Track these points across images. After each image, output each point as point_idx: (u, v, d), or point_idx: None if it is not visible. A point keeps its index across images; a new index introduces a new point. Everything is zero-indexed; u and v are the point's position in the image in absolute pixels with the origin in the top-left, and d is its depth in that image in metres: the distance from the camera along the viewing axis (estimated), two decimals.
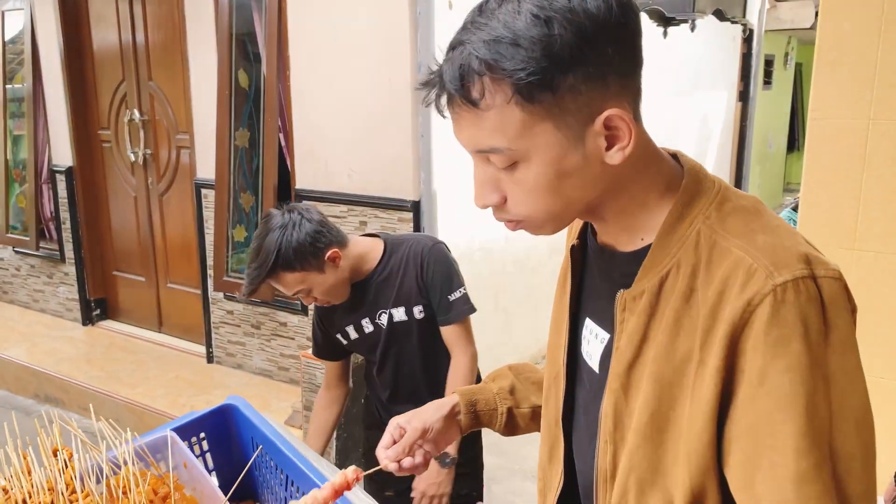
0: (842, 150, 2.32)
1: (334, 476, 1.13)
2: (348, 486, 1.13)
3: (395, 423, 1.18)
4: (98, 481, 1.14)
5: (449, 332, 2.06)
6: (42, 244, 5.36)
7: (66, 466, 1.15)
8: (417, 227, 3.38)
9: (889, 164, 2.26)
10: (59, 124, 5.00)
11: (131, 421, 3.91)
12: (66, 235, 5.16)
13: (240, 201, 4.03)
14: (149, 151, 4.71)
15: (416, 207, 3.37)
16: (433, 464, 1.95)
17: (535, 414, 1.25)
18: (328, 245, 1.95)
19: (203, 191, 4.25)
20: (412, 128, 3.31)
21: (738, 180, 7.16)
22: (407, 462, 1.16)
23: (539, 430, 1.18)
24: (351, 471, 1.14)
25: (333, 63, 3.50)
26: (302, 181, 3.76)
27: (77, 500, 1.08)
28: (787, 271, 0.78)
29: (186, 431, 1.34)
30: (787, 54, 9.92)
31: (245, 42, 3.88)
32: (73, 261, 5.16)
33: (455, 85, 0.81)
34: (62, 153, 5.05)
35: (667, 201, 0.89)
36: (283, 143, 3.89)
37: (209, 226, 4.25)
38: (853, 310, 0.83)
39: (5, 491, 1.09)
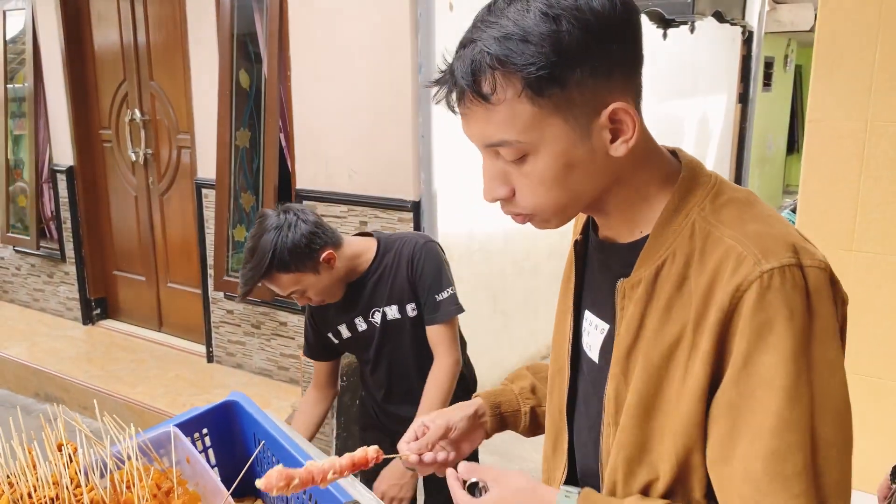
0: (840, 153, 2.33)
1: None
2: (366, 464, 1.15)
3: (419, 420, 1.20)
4: (102, 476, 1.16)
5: (434, 333, 2.05)
6: (42, 243, 5.37)
7: (71, 461, 1.17)
8: (417, 228, 3.39)
9: (887, 167, 2.27)
10: (60, 124, 5.01)
11: (131, 420, 3.90)
12: (67, 235, 5.17)
13: (240, 201, 4.04)
14: (149, 151, 4.72)
15: (416, 208, 3.38)
16: (398, 463, 1.93)
17: None
18: (323, 246, 1.95)
19: (203, 190, 4.26)
20: (412, 128, 3.33)
21: (738, 182, 7.16)
22: (429, 456, 1.17)
23: None
24: (373, 450, 1.16)
25: (334, 64, 3.51)
26: (302, 181, 3.78)
27: (81, 495, 1.09)
28: (775, 259, 0.81)
29: (189, 427, 1.35)
30: (786, 56, 9.94)
31: (246, 42, 3.89)
32: (74, 260, 5.17)
33: (467, 80, 0.84)
34: (63, 153, 5.06)
35: (665, 194, 0.93)
36: (283, 144, 3.90)
37: (209, 226, 4.26)
38: (843, 301, 0.87)
39: (11, 485, 1.10)
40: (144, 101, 4.67)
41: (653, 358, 0.89)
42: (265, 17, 3.71)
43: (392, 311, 2.07)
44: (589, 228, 1.06)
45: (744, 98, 7.00)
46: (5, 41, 5.25)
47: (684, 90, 6.18)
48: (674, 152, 0.98)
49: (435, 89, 0.89)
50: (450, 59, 0.88)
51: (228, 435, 1.42)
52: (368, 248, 2.10)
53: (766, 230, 0.85)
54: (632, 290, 0.92)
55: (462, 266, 3.90)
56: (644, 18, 4.70)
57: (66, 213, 5.12)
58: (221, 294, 4.31)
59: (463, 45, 0.87)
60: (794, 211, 4.89)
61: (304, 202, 3.73)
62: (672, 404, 0.88)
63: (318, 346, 2.21)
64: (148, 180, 4.80)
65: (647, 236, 0.92)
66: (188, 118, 4.34)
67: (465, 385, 2.27)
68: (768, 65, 8.98)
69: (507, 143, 0.87)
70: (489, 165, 0.93)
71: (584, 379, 1.06)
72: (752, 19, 6.46)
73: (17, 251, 5.58)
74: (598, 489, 1.00)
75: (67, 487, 1.10)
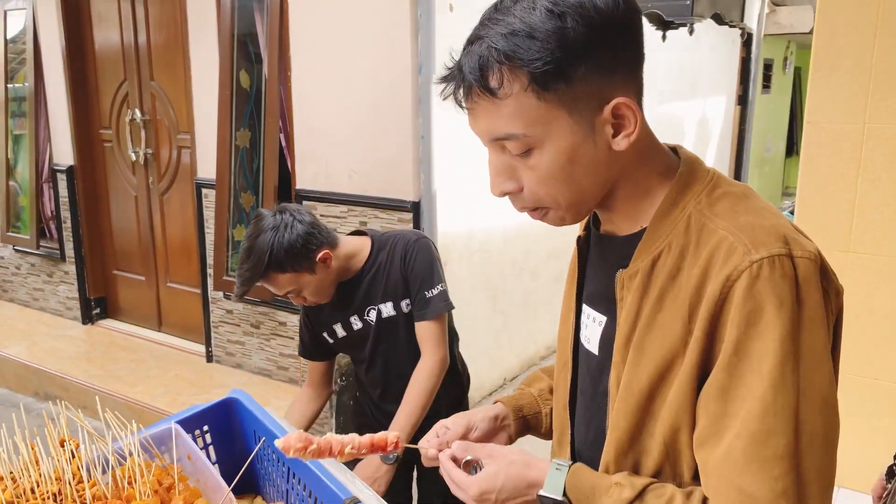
0: (837, 155, 2.34)
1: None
2: (385, 447, 1.17)
3: (441, 423, 1.21)
4: (104, 472, 1.17)
5: (422, 329, 2.05)
6: (42, 243, 5.37)
7: (73, 457, 1.18)
8: (417, 228, 3.40)
9: (884, 168, 2.29)
10: (60, 123, 5.02)
11: (130, 419, 3.92)
12: (67, 234, 5.17)
13: (240, 201, 4.04)
14: (150, 151, 4.73)
15: (415, 208, 3.39)
16: (374, 458, 1.93)
17: None
18: (320, 246, 1.96)
19: (204, 190, 4.27)
20: (412, 129, 3.34)
21: None
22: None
23: None
24: (393, 435, 1.17)
25: (334, 64, 3.52)
26: (302, 181, 3.79)
27: (84, 490, 1.10)
28: (764, 249, 0.83)
29: (190, 424, 1.36)
30: (786, 58, 9.94)
31: (247, 43, 3.90)
32: (74, 259, 5.18)
33: (475, 75, 0.87)
34: (63, 152, 5.07)
35: (664, 188, 0.95)
36: (283, 144, 3.91)
37: (209, 225, 4.27)
38: (837, 293, 0.89)
39: (14, 480, 1.11)
40: (145, 100, 4.67)
41: (647, 346, 0.91)
42: (266, 17, 3.72)
43: (387, 309, 2.08)
44: (591, 224, 1.08)
45: (743, 100, 7.01)
46: (6, 41, 5.26)
47: (683, 92, 6.19)
48: (674, 149, 1.01)
49: (442, 86, 0.92)
50: (457, 57, 0.91)
51: (229, 432, 1.43)
52: (363, 246, 2.11)
53: (758, 221, 0.87)
54: (630, 281, 0.94)
55: (461, 266, 3.91)
56: (643, 20, 4.69)
57: (66, 213, 5.13)
58: (221, 294, 4.32)
59: (470, 41, 0.90)
60: (793, 213, 4.90)
61: (304, 202, 3.74)
62: (664, 390, 0.91)
63: (313, 346, 2.22)
64: (148, 180, 4.81)
65: (645, 229, 0.95)
66: (188, 118, 4.35)
67: (458, 381, 2.28)
68: (767, 67, 8.98)
69: (514, 137, 0.89)
70: (495, 160, 0.95)
71: (585, 373, 1.09)
72: (752, 21, 6.46)
73: (16, 250, 5.58)
74: None
75: (70, 483, 1.11)
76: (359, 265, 2.09)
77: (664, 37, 4.30)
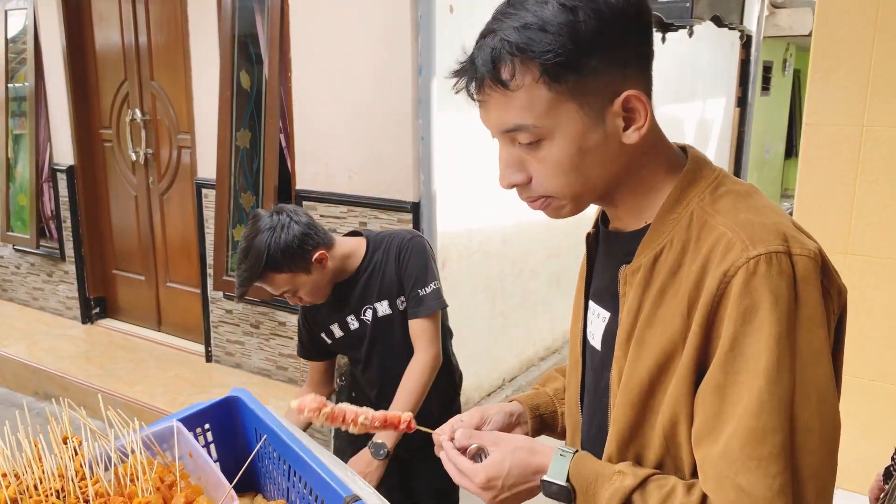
0: (836, 156, 2.35)
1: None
2: (397, 425, 1.18)
3: (456, 416, 1.21)
4: (106, 469, 1.17)
5: (416, 326, 2.07)
6: (42, 242, 5.38)
7: (76, 454, 1.18)
8: (416, 229, 3.41)
9: (882, 170, 2.29)
10: (60, 123, 5.03)
11: (130, 418, 3.92)
12: (67, 234, 5.18)
13: (240, 201, 4.05)
14: (150, 151, 4.73)
15: (415, 209, 3.40)
16: (365, 452, 1.96)
17: None
18: (316, 247, 1.99)
19: (204, 190, 4.28)
20: (412, 130, 3.34)
21: None
22: (460, 441, 1.18)
23: None
24: (407, 414, 1.19)
25: (335, 65, 3.53)
26: (302, 182, 3.79)
27: (86, 487, 1.11)
28: (762, 245, 0.84)
29: (192, 422, 1.37)
30: (785, 61, 9.96)
31: (247, 43, 3.91)
32: (74, 259, 5.18)
33: (487, 67, 0.88)
34: (63, 152, 5.08)
35: (669, 185, 0.96)
36: (283, 144, 3.92)
37: (209, 225, 4.28)
38: (839, 292, 0.89)
39: (17, 476, 1.12)
40: (145, 100, 4.68)
41: (647, 341, 0.92)
42: (266, 18, 3.73)
43: (383, 308, 2.10)
44: (600, 222, 1.09)
45: (742, 102, 7.02)
46: (6, 40, 5.26)
47: (683, 94, 6.20)
48: (684, 149, 1.01)
49: (454, 80, 0.93)
50: (469, 52, 0.92)
51: (230, 430, 1.44)
52: (358, 247, 2.14)
53: (758, 219, 0.88)
54: (632, 276, 0.95)
55: (461, 267, 3.92)
56: None
57: (66, 213, 5.13)
58: (221, 294, 4.32)
59: (483, 35, 0.91)
60: (791, 215, 4.91)
61: (304, 203, 3.75)
62: (664, 385, 0.91)
63: (311, 347, 2.24)
64: (148, 180, 4.82)
65: (649, 225, 0.96)
66: (189, 118, 4.35)
67: (451, 378, 2.29)
68: (767, 69, 9.00)
69: (524, 128, 0.90)
70: (505, 153, 0.96)
71: (590, 369, 1.09)
72: (751, 23, 6.48)
73: (16, 250, 5.59)
74: None
75: (73, 480, 1.11)
76: (354, 265, 2.11)
77: (664, 39, 4.30)
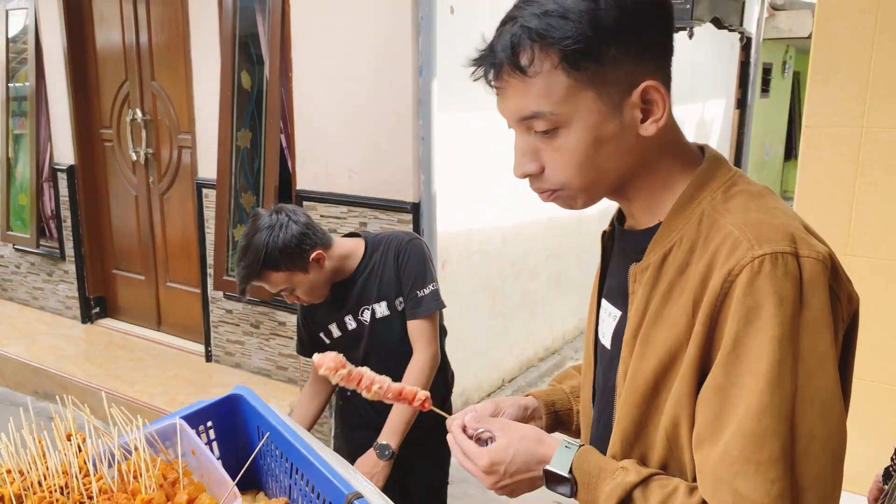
0: (835, 158, 2.36)
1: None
2: (411, 401, 1.19)
3: (470, 406, 1.20)
4: (110, 466, 1.18)
5: (414, 327, 2.09)
6: (42, 242, 5.38)
7: (80, 451, 1.19)
8: (417, 229, 3.42)
9: (882, 172, 2.30)
10: (61, 123, 5.03)
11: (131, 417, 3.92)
12: (67, 233, 5.18)
13: (241, 201, 4.06)
14: (150, 151, 4.74)
15: (415, 209, 3.41)
16: (371, 453, 1.99)
17: None
18: (313, 247, 2.02)
19: (204, 190, 4.28)
20: (413, 130, 3.35)
21: None
22: (471, 428, 1.18)
23: None
24: (424, 393, 1.19)
25: (335, 66, 3.54)
26: (302, 182, 3.80)
27: (90, 484, 1.12)
28: (769, 245, 0.83)
29: (194, 420, 1.37)
30: (784, 63, 9.98)
31: (248, 44, 3.91)
32: (74, 259, 5.19)
33: (506, 52, 0.88)
34: (64, 152, 5.08)
35: (683, 183, 0.95)
36: (284, 144, 3.92)
37: (210, 225, 4.28)
38: (850, 298, 0.87)
39: (21, 473, 1.13)
40: (146, 100, 4.69)
41: (652, 339, 0.91)
42: (267, 19, 3.74)
43: (381, 308, 2.12)
44: (615, 220, 1.09)
45: (742, 104, 7.03)
46: (7, 40, 5.26)
47: (683, 95, 6.21)
48: (702, 148, 1.01)
49: (472, 69, 0.93)
50: (489, 40, 0.92)
51: (233, 428, 1.44)
52: (356, 248, 2.16)
53: (768, 219, 0.86)
54: (642, 274, 0.95)
55: (461, 267, 3.92)
56: None
57: (66, 212, 5.13)
58: (221, 294, 4.33)
59: (503, 23, 0.91)
60: None
61: (305, 203, 3.76)
62: (668, 384, 0.90)
63: (311, 346, 2.26)
64: (148, 180, 4.82)
65: (661, 223, 0.95)
66: (189, 118, 4.36)
67: (444, 376, 2.30)
68: (766, 71, 9.02)
69: (541, 115, 0.90)
70: (521, 142, 0.95)
71: (600, 368, 1.09)
72: (751, 26, 6.49)
73: (16, 249, 5.59)
74: None
75: (76, 476, 1.12)
76: (353, 266, 2.13)
77: None
